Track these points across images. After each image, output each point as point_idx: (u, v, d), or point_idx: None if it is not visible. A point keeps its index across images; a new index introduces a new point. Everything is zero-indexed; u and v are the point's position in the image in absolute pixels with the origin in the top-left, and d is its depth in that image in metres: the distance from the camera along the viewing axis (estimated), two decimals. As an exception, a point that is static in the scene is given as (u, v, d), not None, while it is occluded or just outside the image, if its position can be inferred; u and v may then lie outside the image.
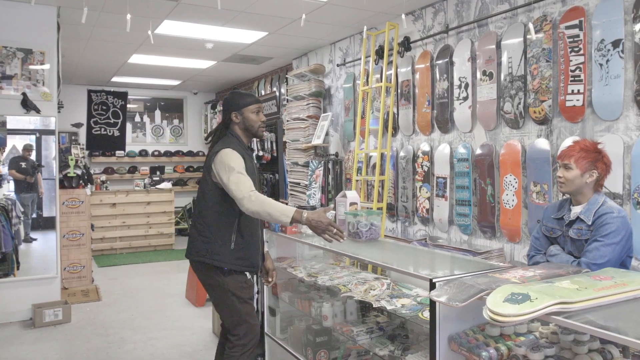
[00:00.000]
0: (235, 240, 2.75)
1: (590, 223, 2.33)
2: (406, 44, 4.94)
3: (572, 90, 3.45)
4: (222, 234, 2.74)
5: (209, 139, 2.98)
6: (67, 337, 4.61)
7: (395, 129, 5.11)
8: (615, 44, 3.21)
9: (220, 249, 2.72)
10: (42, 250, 5.60)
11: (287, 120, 6.64)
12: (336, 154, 6.04)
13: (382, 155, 5.03)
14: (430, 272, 2.25)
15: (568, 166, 2.39)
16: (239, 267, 2.77)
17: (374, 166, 5.13)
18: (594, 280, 1.77)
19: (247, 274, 2.87)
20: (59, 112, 6.04)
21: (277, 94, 7.47)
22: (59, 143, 6.24)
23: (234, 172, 2.63)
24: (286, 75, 7.04)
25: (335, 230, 2.58)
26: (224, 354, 2.82)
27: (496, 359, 1.89)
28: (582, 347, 1.80)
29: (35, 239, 6.40)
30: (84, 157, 7.15)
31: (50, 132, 5.10)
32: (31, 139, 6.39)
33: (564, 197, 2.62)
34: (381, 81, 4.93)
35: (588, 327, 1.50)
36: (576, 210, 2.42)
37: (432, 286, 2.04)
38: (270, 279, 3.12)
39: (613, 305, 1.67)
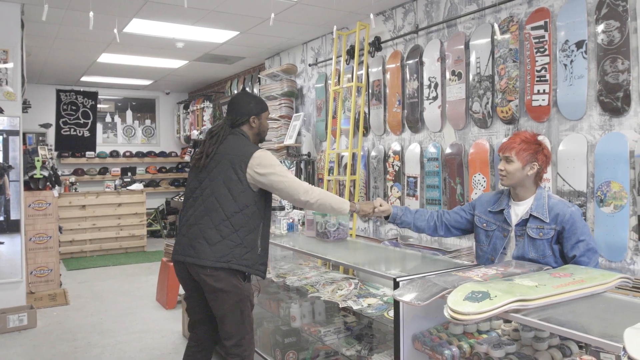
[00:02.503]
0: (261, 245, 2.66)
1: (549, 221, 2.29)
2: (377, 44, 4.96)
3: (538, 90, 3.50)
4: (250, 238, 2.61)
5: (210, 137, 2.80)
6: (32, 342, 4.49)
7: (367, 129, 5.12)
8: (579, 44, 3.26)
9: (248, 254, 2.59)
10: (8, 253, 5.45)
11: (260, 121, 6.60)
12: (308, 154, 6.03)
13: (354, 155, 5.03)
14: (395, 271, 2.24)
15: (509, 159, 2.36)
16: (260, 273, 2.68)
17: (346, 166, 5.13)
18: (553, 277, 1.79)
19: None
20: (25, 112, 5.92)
21: (250, 94, 7.42)
22: (24, 144, 6.10)
23: (284, 171, 2.63)
24: (259, 75, 7.00)
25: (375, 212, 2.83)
26: None
27: (458, 357, 1.89)
28: (542, 343, 1.81)
29: (2, 243, 6.23)
30: (51, 158, 6.98)
31: (15, 133, 4.97)
32: (-2, 140, 6.23)
33: (500, 189, 2.58)
34: (352, 81, 4.94)
35: (545, 324, 1.52)
36: (522, 207, 2.39)
37: (396, 285, 2.04)
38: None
39: (571, 302, 1.69)
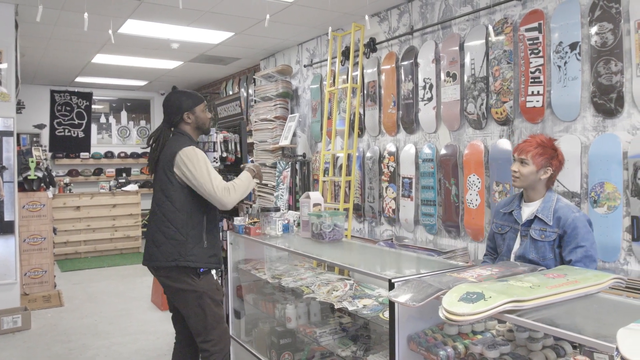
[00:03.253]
0: (207, 239, 2.74)
1: (552, 224, 2.30)
2: (372, 45, 4.96)
3: (532, 92, 3.51)
4: (194, 234, 2.71)
5: (152, 142, 2.90)
6: (26, 344, 4.47)
7: (362, 130, 5.13)
8: (573, 46, 3.28)
9: (194, 249, 2.69)
10: (2, 255, 5.42)
11: (255, 121, 6.60)
12: (304, 155, 6.03)
13: (349, 156, 5.03)
14: (390, 272, 2.25)
15: (524, 161, 2.39)
16: (212, 265, 2.76)
17: (341, 167, 5.13)
18: (547, 278, 1.80)
19: (214, 275, 2.84)
20: (19, 112, 5.88)
21: (245, 94, 7.43)
22: (18, 145, 6.07)
23: (205, 169, 2.67)
24: (254, 76, 7.00)
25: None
26: None
27: (453, 358, 1.90)
28: (537, 344, 1.82)
29: (-5, 244, 6.21)
30: (45, 159, 6.95)
31: (9, 134, 4.95)
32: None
33: (515, 192, 2.63)
34: (347, 82, 4.94)
35: (539, 325, 1.52)
36: (531, 208, 2.42)
37: (391, 286, 2.04)
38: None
39: (565, 303, 1.69)
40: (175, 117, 2.85)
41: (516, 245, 2.43)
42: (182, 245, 2.68)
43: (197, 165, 2.67)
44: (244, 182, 2.85)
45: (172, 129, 2.89)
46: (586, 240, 2.27)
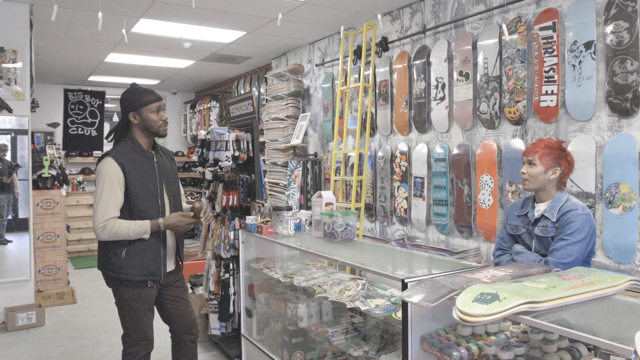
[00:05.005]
0: (126, 250, 2.66)
1: (555, 220, 2.37)
2: (384, 44, 4.95)
3: (546, 91, 3.48)
4: (113, 244, 2.66)
5: (110, 139, 2.83)
6: (40, 340, 4.52)
7: (374, 129, 5.12)
8: (588, 45, 3.25)
9: (113, 259, 2.68)
10: (16, 252, 5.50)
11: (267, 120, 6.61)
12: (315, 154, 6.03)
13: (361, 155, 5.03)
14: (403, 272, 2.24)
15: (532, 162, 2.45)
16: (133, 277, 2.68)
17: (353, 166, 5.13)
18: (562, 279, 1.79)
19: (150, 282, 2.77)
20: (33, 111, 5.96)
21: (256, 93, 7.44)
22: (33, 143, 6.14)
23: (100, 190, 2.61)
24: (265, 75, 7.01)
25: (196, 220, 2.76)
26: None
27: (467, 359, 1.89)
28: (552, 345, 1.81)
29: (10, 241, 6.29)
30: (59, 157, 7.02)
31: (24, 132, 5.01)
32: (6, 139, 6.28)
33: (528, 195, 2.68)
34: (359, 81, 4.93)
35: (554, 326, 1.51)
36: (540, 207, 2.46)
37: (404, 286, 2.03)
38: (202, 216, 2.82)
39: (581, 304, 1.68)
40: (124, 117, 2.73)
41: (534, 245, 2.48)
42: (104, 254, 2.71)
43: (98, 183, 2.62)
44: (132, 230, 2.63)
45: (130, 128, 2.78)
46: (574, 236, 2.30)
